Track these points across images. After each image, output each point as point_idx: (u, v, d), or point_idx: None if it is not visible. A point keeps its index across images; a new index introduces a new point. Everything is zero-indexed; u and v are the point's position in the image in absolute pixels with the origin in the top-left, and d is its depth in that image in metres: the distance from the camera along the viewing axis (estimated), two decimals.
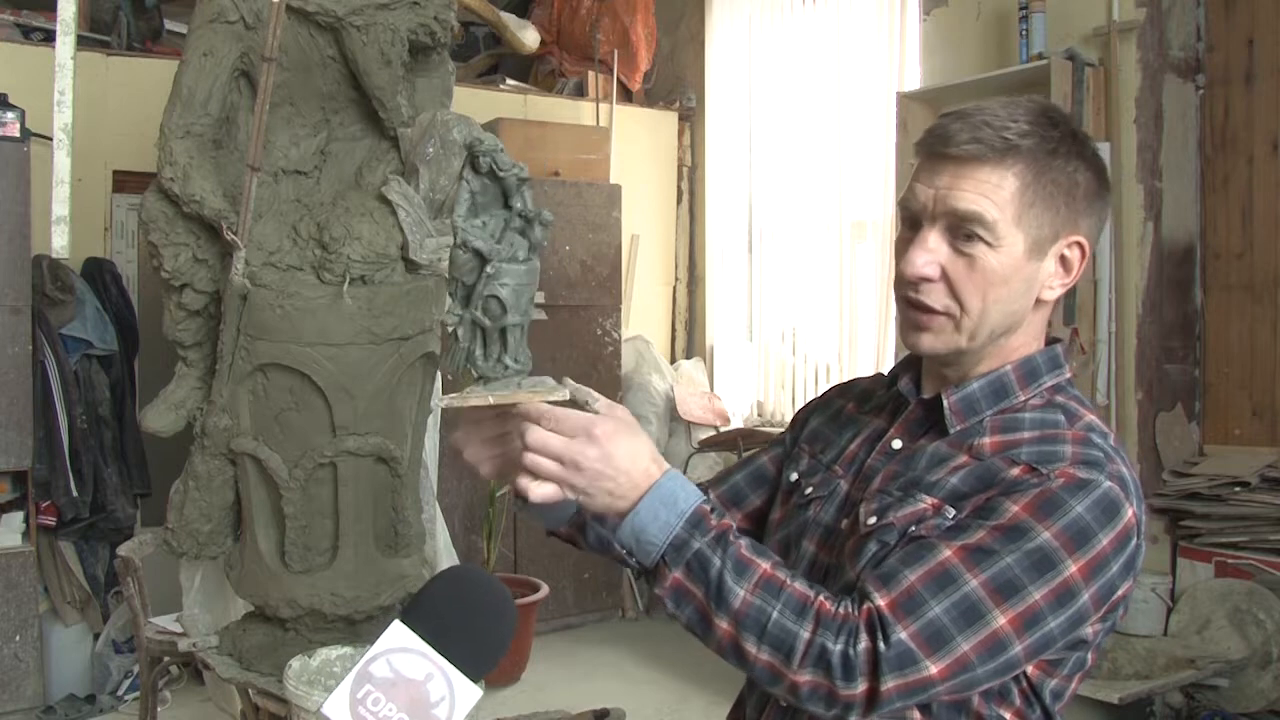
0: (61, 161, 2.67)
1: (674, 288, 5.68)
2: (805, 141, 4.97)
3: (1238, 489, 3.35)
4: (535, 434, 1.06)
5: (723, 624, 1.04)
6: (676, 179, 5.65)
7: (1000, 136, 1.11)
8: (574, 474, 1.06)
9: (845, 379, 1.47)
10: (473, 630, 1.00)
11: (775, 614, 1.02)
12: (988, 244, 1.12)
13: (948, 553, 1.03)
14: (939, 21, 4.20)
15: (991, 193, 1.11)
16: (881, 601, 1.02)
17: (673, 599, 1.07)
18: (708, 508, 1.08)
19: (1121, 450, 1.12)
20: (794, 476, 1.29)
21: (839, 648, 1.00)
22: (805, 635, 1.01)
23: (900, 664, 1.00)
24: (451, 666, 0.97)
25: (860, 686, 1.00)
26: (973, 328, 1.15)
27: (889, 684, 1.00)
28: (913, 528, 1.09)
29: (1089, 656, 1.13)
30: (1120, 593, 1.07)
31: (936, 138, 1.15)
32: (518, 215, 1.14)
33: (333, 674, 2.18)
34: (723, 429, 5.08)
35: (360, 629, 2.39)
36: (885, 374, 1.34)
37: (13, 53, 3.99)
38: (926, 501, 1.11)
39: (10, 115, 3.49)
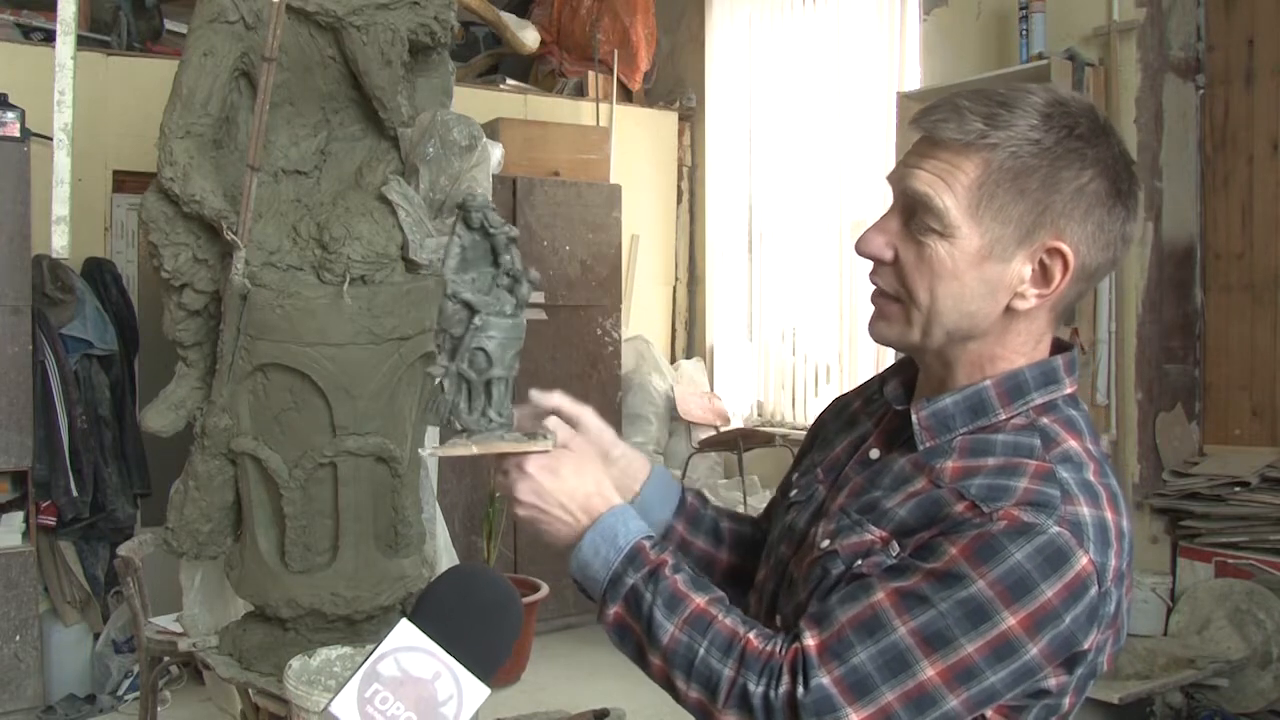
0: (61, 161, 2.67)
1: (674, 288, 5.68)
2: (805, 141, 4.97)
3: (1238, 489, 3.35)
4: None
5: (655, 660, 1.04)
6: (676, 179, 5.65)
7: (980, 120, 1.01)
8: (520, 509, 1.12)
9: (846, 379, 1.39)
10: (480, 628, 1.00)
11: (702, 651, 1.01)
12: (938, 233, 1.03)
13: (881, 595, 0.98)
14: (939, 21, 4.20)
15: (947, 176, 1.02)
16: (811, 642, 0.99)
17: (615, 634, 1.07)
18: (647, 543, 1.08)
19: (1100, 484, 1.02)
20: (794, 476, 1.25)
21: (760, 689, 0.98)
22: (729, 674, 1.00)
23: (818, 710, 0.96)
24: (459, 665, 0.97)
25: None
26: (924, 322, 1.06)
27: None
28: (858, 561, 1.04)
29: (1064, 702, 1.04)
30: (1087, 644, 0.98)
31: (922, 110, 1.06)
32: (505, 273, 1.17)
33: (333, 674, 2.18)
34: (723, 429, 5.08)
35: (360, 629, 2.39)
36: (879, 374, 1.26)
37: (13, 53, 3.99)
38: (875, 533, 1.04)
39: (10, 115, 3.49)
